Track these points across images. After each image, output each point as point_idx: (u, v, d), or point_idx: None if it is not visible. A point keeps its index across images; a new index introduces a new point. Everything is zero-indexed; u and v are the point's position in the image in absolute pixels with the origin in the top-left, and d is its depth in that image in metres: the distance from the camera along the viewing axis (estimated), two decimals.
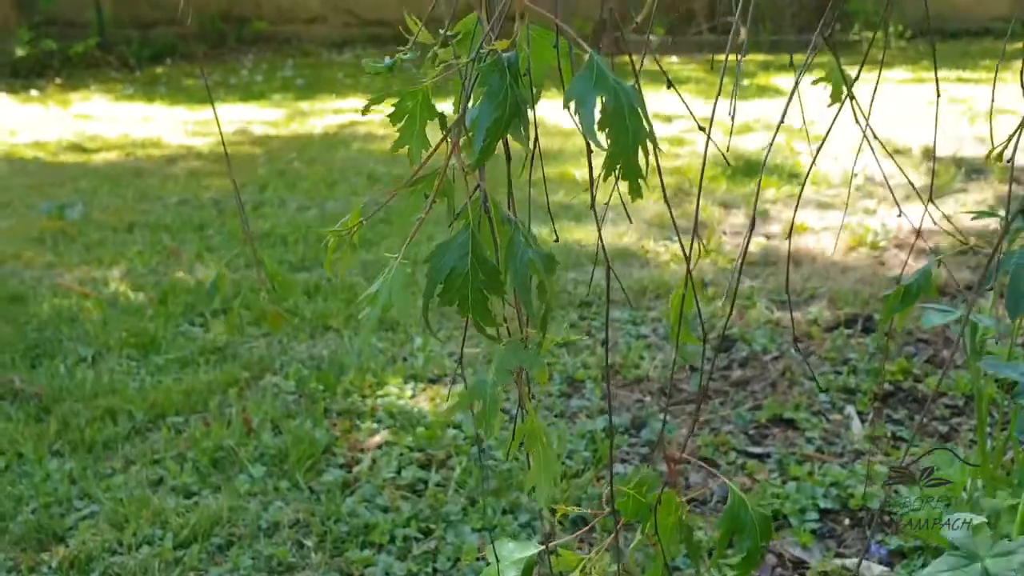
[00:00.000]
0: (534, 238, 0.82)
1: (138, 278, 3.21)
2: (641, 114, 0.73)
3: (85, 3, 8.19)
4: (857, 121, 1.09)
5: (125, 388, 2.44)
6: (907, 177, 1.17)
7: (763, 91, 6.01)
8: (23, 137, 5.45)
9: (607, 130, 0.72)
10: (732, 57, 1.04)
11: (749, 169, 4.31)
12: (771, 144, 1.10)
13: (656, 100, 5.94)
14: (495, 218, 0.83)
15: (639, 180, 0.73)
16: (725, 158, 1.10)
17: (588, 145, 0.77)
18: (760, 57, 7.10)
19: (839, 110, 1.10)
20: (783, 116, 1.03)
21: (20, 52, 7.60)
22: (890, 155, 1.14)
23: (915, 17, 7.60)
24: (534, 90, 0.84)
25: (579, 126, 0.72)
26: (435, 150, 0.81)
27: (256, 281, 3.19)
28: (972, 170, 4.32)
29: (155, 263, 3.35)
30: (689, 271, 0.97)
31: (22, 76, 7.47)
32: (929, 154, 4.55)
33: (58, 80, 7.40)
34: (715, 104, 1.01)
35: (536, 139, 0.83)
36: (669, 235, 3.52)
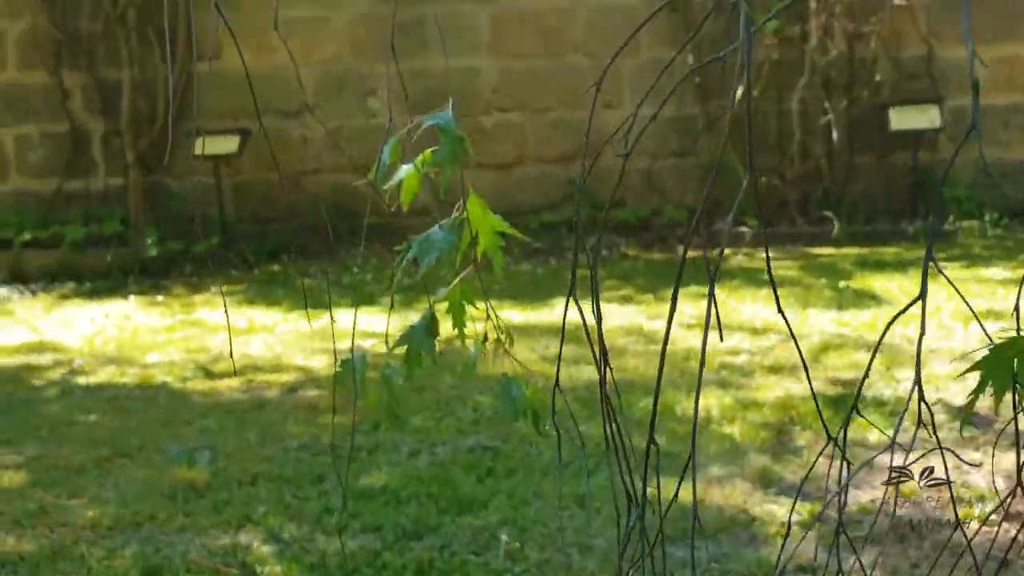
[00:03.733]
0: None
1: (264, 545, 3.40)
2: None
3: (208, 200, 8.76)
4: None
5: None
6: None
7: (860, 297, 6.06)
8: (153, 356, 5.83)
9: None
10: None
11: (848, 403, 4.35)
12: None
13: (750, 308, 6.02)
14: None
15: None
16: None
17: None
18: (855, 251, 7.16)
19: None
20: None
21: (152, 252, 8.15)
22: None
23: (1017, 197, 7.50)
24: None
25: None
26: None
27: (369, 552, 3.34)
28: None
29: (279, 526, 3.54)
30: None
31: (151, 275, 8.00)
32: None
33: (182, 280, 7.91)
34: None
35: None
36: (775, 494, 3.58)
